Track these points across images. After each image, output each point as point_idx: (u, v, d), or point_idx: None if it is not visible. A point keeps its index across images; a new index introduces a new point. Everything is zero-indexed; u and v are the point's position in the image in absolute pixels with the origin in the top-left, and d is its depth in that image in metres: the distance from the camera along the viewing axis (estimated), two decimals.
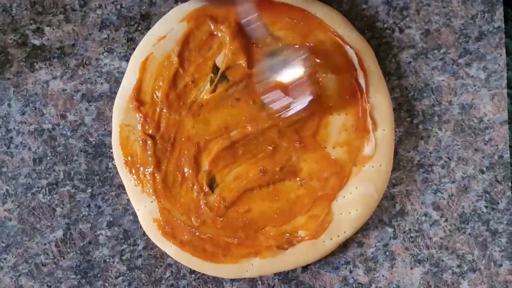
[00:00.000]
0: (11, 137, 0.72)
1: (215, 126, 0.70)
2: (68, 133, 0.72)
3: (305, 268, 0.71)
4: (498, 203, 0.71)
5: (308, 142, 0.69)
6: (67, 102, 0.72)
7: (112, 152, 0.71)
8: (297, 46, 0.68)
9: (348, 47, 0.69)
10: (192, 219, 0.69)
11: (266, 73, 0.66)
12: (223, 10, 0.70)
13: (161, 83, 0.70)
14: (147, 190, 0.69)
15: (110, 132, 0.72)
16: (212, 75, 0.69)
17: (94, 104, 0.72)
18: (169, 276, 0.71)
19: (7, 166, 0.72)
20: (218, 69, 0.69)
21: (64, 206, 0.72)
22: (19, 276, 0.71)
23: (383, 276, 0.71)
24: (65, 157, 0.72)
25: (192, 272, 0.71)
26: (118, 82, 0.72)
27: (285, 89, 0.65)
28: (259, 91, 0.66)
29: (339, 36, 0.70)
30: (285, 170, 0.69)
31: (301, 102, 0.66)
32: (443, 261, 0.71)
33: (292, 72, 0.65)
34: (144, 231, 0.71)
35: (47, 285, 0.71)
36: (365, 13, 0.73)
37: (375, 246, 0.71)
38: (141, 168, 0.69)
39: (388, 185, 0.71)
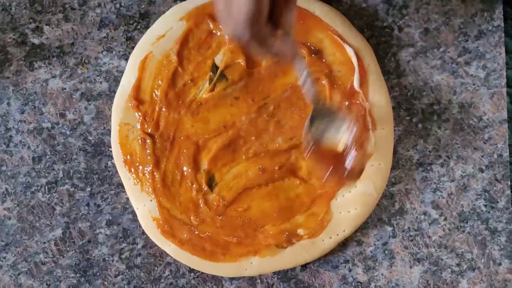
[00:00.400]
0: (11, 136, 0.72)
1: (214, 124, 0.70)
2: (67, 132, 0.72)
3: (304, 266, 0.71)
4: (497, 202, 0.71)
5: None
6: (66, 101, 0.72)
7: (111, 151, 0.71)
8: (345, 108, 0.67)
9: (348, 46, 0.69)
10: (191, 217, 0.69)
11: (312, 135, 0.63)
12: None
13: (160, 82, 0.70)
14: (146, 189, 0.69)
15: (109, 131, 0.72)
16: (211, 74, 0.69)
17: (93, 103, 0.72)
18: (168, 274, 0.71)
19: (7, 165, 0.72)
20: (217, 68, 0.69)
21: (63, 205, 0.72)
22: (19, 274, 0.71)
23: (382, 274, 0.71)
24: (64, 155, 0.72)
25: (191, 270, 0.71)
26: (117, 81, 0.72)
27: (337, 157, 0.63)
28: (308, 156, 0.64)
29: (339, 35, 0.70)
30: (284, 169, 0.69)
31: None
32: (442, 259, 0.71)
33: (339, 137, 0.63)
34: (143, 230, 0.71)
35: (47, 284, 0.71)
36: (364, 12, 0.73)
37: (374, 244, 0.71)
38: (140, 167, 0.69)
39: (387, 184, 0.71)
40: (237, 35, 0.54)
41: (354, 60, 0.69)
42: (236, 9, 0.53)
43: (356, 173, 0.63)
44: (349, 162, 0.62)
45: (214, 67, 0.70)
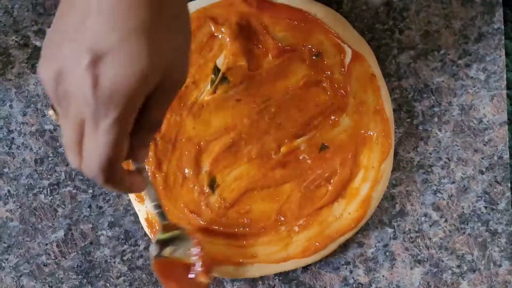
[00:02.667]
0: (13, 138, 0.72)
1: (215, 127, 0.70)
2: None
3: (305, 268, 0.71)
4: (498, 204, 0.71)
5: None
6: None
7: None
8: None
9: (347, 47, 0.69)
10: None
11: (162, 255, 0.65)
12: (224, 11, 0.70)
13: None
14: None
15: None
16: (213, 76, 0.70)
17: None
18: None
19: (9, 167, 0.72)
20: (219, 70, 0.70)
21: (65, 207, 0.72)
22: (21, 276, 0.71)
23: (383, 276, 0.71)
24: (66, 157, 0.72)
25: None
26: None
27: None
28: None
29: (339, 37, 0.70)
30: (286, 171, 0.70)
31: None
32: (442, 261, 0.71)
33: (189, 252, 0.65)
34: (145, 232, 0.71)
35: (49, 285, 0.71)
36: (365, 14, 0.73)
37: (375, 246, 0.71)
38: None
39: (388, 186, 0.71)
40: (90, 177, 0.48)
41: (347, 60, 0.69)
42: (88, 152, 0.46)
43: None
44: (196, 276, 0.64)
45: (216, 70, 0.70)
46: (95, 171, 0.47)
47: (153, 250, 0.64)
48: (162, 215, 0.63)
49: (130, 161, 0.56)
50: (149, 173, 0.69)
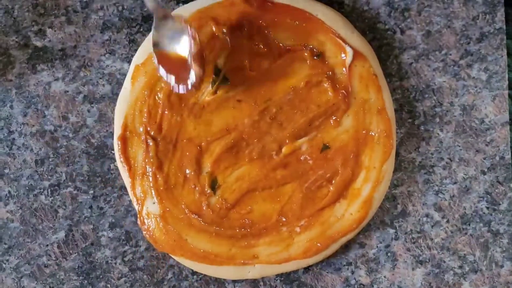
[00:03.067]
0: (13, 139, 0.72)
1: (216, 127, 0.70)
2: (70, 135, 0.72)
3: (306, 269, 0.71)
4: (500, 204, 0.71)
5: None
6: (69, 103, 0.72)
7: (114, 154, 0.71)
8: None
9: (348, 47, 0.69)
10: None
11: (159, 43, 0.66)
12: (225, 12, 0.70)
13: (162, 85, 0.70)
14: (149, 192, 0.69)
15: (112, 133, 0.72)
16: (214, 76, 0.70)
17: (96, 105, 0.72)
18: (171, 277, 0.71)
19: (9, 168, 0.72)
20: (219, 70, 0.70)
21: (66, 208, 0.72)
22: (22, 277, 0.71)
23: (384, 277, 0.71)
24: (67, 158, 0.72)
25: (194, 273, 0.71)
26: (120, 83, 0.72)
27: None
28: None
29: (341, 38, 0.70)
30: (287, 172, 0.69)
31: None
32: (444, 262, 0.71)
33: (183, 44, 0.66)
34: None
35: (50, 287, 0.71)
36: (366, 14, 0.73)
37: (377, 247, 0.71)
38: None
39: (390, 186, 0.71)
40: None
41: (348, 61, 0.69)
42: None
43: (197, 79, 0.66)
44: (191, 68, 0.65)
45: (217, 70, 0.70)
46: None
47: (152, 38, 0.66)
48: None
49: None
50: (150, 173, 0.69)
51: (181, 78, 0.65)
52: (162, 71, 0.65)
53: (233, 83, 0.70)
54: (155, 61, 0.66)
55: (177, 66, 0.66)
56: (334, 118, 0.70)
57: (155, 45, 0.66)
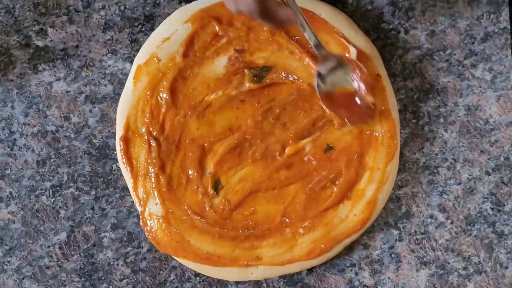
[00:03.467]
0: (15, 139, 0.72)
1: (220, 128, 0.69)
2: (72, 135, 0.72)
3: (310, 270, 0.71)
4: (504, 205, 0.71)
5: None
6: (70, 103, 0.72)
7: (116, 154, 0.71)
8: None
9: (352, 47, 0.69)
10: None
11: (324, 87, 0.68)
12: (227, 11, 0.69)
13: (165, 83, 0.69)
14: (152, 193, 0.69)
15: (114, 134, 0.71)
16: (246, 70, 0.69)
17: (98, 105, 0.72)
18: (174, 278, 0.71)
19: (11, 168, 0.71)
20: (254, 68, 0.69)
21: (68, 209, 0.71)
22: (23, 279, 0.71)
23: (388, 278, 0.70)
24: (68, 159, 0.71)
25: (196, 274, 0.71)
26: (122, 83, 0.72)
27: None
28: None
29: (344, 37, 0.69)
30: (291, 173, 0.69)
31: None
32: (449, 263, 0.70)
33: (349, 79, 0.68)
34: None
35: None
36: (370, 14, 0.72)
37: (381, 248, 0.71)
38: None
39: (394, 187, 0.71)
40: (247, 13, 0.58)
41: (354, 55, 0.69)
42: None
43: (370, 109, 0.67)
44: (362, 99, 0.67)
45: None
46: (251, 4, 0.57)
47: (316, 83, 0.67)
48: (318, 45, 0.66)
49: None
50: (152, 174, 0.68)
51: (354, 109, 0.68)
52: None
53: (236, 83, 0.69)
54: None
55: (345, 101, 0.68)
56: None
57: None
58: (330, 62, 0.67)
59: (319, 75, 0.67)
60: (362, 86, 0.66)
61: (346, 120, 0.68)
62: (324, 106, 0.68)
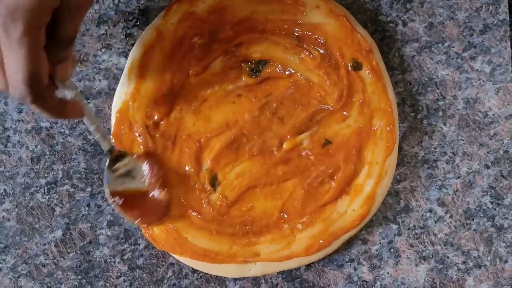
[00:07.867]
0: (8, 136, 0.71)
1: (216, 123, 0.69)
2: (67, 131, 0.71)
3: (308, 266, 0.70)
4: (504, 199, 0.70)
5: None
6: None
7: None
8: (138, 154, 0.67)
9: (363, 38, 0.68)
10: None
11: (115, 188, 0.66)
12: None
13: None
14: None
15: (109, 130, 0.70)
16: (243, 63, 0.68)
17: (93, 101, 0.71)
18: (171, 275, 0.70)
19: (5, 166, 0.70)
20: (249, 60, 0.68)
21: (63, 206, 0.70)
22: (19, 277, 0.70)
23: (387, 273, 0.70)
24: (63, 155, 0.71)
25: (194, 271, 0.70)
26: (116, 78, 0.71)
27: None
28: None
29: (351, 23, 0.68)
30: (289, 168, 0.68)
31: None
32: (448, 257, 0.70)
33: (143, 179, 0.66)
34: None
35: (47, 286, 0.70)
36: (368, 6, 0.71)
37: (380, 243, 0.70)
38: None
39: (392, 181, 0.70)
40: (18, 98, 0.50)
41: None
42: (10, 70, 0.49)
43: (164, 208, 0.66)
44: (155, 198, 0.66)
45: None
46: (21, 87, 0.49)
47: (107, 181, 0.65)
48: (103, 138, 0.64)
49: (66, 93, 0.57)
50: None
51: (148, 208, 0.66)
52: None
53: (233, 77, 0.68)
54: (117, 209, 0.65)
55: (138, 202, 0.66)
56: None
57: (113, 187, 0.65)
58: (121, 162, 0.66)
59: (109, 170, 0.65)
60: (155, 184, 0.65)
61: (139, 220, 0.66)
62: (113, 206, 0.66)
